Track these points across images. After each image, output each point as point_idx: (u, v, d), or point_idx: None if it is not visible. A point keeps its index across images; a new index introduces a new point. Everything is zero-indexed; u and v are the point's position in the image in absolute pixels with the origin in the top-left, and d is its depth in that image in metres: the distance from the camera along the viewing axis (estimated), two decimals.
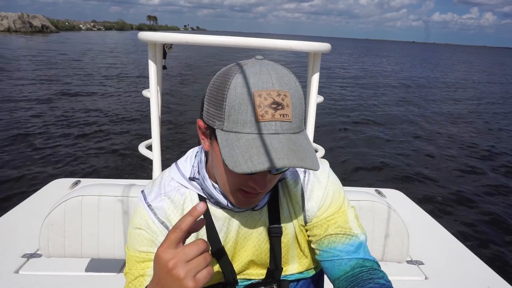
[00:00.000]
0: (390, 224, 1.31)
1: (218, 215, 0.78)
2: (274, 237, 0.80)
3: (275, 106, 0.58)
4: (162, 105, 1.70)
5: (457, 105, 12.48)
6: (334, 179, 0.84)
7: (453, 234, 2.11)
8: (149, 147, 1.93)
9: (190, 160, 0.81)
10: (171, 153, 5.66)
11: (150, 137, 1.87)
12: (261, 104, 0.58)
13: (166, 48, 1.73)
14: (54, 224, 1.17)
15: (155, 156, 1.84)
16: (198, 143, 0.84)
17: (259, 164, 0.55)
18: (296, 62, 22.81)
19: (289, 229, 0.81)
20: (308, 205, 0.80)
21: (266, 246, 0.82)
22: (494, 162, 6.50)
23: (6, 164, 4.92)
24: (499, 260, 3.37)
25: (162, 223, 0.76)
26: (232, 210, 0.77)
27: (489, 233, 3.95)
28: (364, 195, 1.32)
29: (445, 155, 6.71)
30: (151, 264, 0.74)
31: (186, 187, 0.78)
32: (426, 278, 1.68)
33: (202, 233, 0.78)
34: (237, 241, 0.80)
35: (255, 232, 0.80)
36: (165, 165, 1.97)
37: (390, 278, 0.75)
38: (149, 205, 0.77)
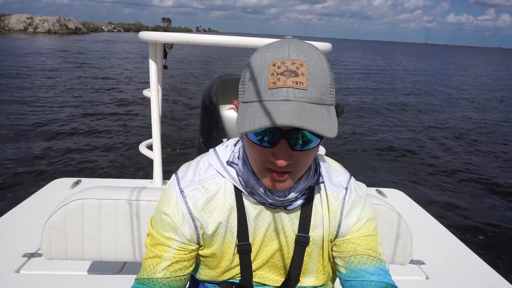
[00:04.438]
0: (393, 227, 1.30)
1: (251, 209, 0.76)
2: (300, 245, 0.79)
3: (288, 73, 0.58)
4: (162, 104, 1.69)
5: (461, 103, 12.46)
6: (371, 204, 0.84)
7: (454, 234, 2.10)
8: (150, 147, 1.93)
9: (230, 148, 0.80)
10: (172, 153, 5.66)
11: (150, 137, 1.87)
12: (274, 72, 0.59)
13: (166, 48, 1.73)
14: (56, 227, 1.17)
15: (156, 155, 1.83)
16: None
17: (259, 123, 0.56)
18: None
19: (317, 240, 0.80)
20: (345, 222, 0.79)
21: (289, 252, 0.80)
22: (497, 161, 6.48)
23: (7, 163, 4.92)
24: (500, 260, 3.36)
25: (190, 214, 0.75)
26: (264, 203, 0.75)
27: (491, 233, 3.94)
28: None
29: (447, 154, 6.69)
30: (169, 250, 0.75)
31: (223, 176, 0.76)
32: (427, 278, 1.67)
33: (233, 226, 0.77)
34: (264, 240, 0.79)
35: (282, 234, 0.79)
36: (165, 164, 1.98)
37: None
38: (182, 191, 0.75)
